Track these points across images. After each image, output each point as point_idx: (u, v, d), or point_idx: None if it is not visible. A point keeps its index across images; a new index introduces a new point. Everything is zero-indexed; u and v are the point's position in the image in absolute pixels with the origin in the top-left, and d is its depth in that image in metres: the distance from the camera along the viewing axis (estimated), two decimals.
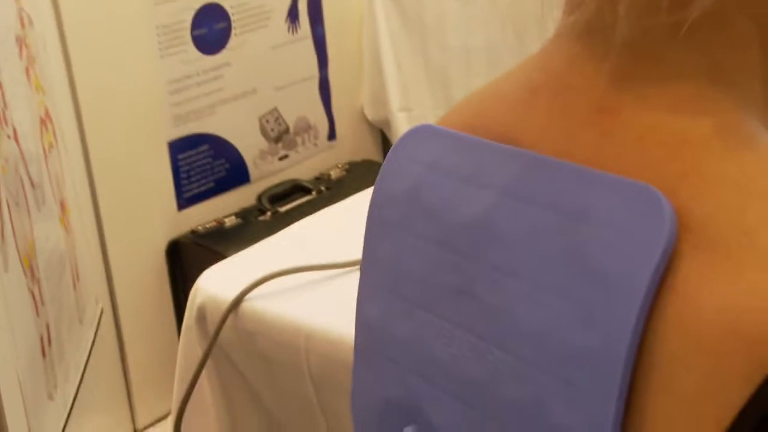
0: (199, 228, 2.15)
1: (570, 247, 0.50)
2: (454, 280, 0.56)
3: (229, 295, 1.13)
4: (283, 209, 2.19)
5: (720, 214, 0.47)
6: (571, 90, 0.54)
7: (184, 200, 2.15)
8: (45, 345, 1.56)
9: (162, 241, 2.11)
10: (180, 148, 2.12)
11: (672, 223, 0.47)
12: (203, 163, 2.17)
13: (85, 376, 1.77)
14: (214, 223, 2.16)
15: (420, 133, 0.61)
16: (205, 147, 2.17)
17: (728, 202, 0.47)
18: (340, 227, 1.29)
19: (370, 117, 2.45)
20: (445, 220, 0.57)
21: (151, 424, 2.07)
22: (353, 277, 0.85)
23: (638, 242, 0.48)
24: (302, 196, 2.25)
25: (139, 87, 2.01)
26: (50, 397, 1.56)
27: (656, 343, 0.47)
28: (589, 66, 0.53)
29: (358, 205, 1.40)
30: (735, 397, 0.45)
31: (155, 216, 2.10)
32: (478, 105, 0.61)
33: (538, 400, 0.51)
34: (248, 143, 2.25)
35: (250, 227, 2.13)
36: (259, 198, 2.24)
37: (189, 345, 1.17)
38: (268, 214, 2.18)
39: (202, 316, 1.16)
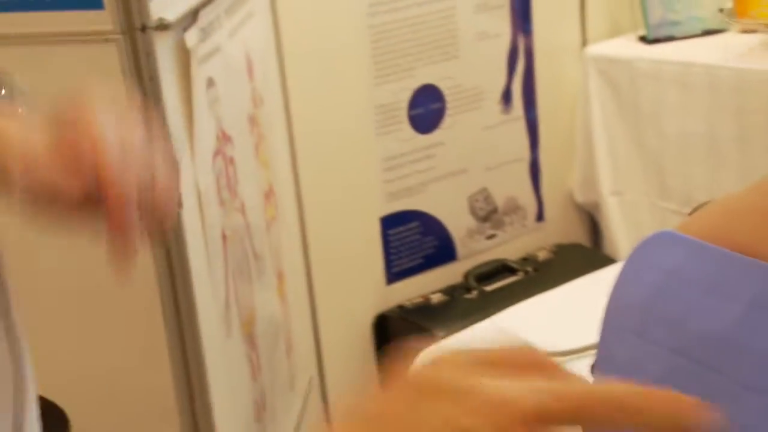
0: (406, 303, 2.19)
1: None
2: (694, 390, 0.56)
3: None
4: (489, 288, 2.21)
5: None
6: None
7: (393, 275, 2.20)
8: (259, 410, 1.62)
9: (370, 314, 2.17)
10: (391, 223, 2.18)
11: None
12: (412, 239, 2.22)
13: None
14: (421, 299, 2.20)
15: (661, 239, 0.62)
16: (415, 224, 2.22)
17: None
18: (552, 315, 1.29)
19: (579, 200, 2.44)
20: (687, 330, 0.57)
21: None
22: (570, 366, 0.85)
23: None
24: (509, 276, 2.26)
25: (356, 163, 2.09)
26: None
27: None
28: None
29: (570, 293, 1.40)
30: None
31: (365, 289, 2.15)
32: (722, 214, 0.61)
33: None
34: (457, 222, 2.28)
35: (456, 304, 2.16)
36: (466, 276, 2.27)
37: None
38: (474, 292, 2.20)
39: None
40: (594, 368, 0.64)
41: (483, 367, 0.46)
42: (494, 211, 2.34)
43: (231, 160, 1.60)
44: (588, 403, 0.44)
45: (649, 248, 0.62)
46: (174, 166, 1.08)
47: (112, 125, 0.71)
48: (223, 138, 1.56)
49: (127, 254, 0.70)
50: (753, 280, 0.55)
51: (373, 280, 2.17)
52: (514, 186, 2.38)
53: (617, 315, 0.63)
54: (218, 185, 1.51)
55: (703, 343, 0.56)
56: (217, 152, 1.52)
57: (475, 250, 2.32)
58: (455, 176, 2.26)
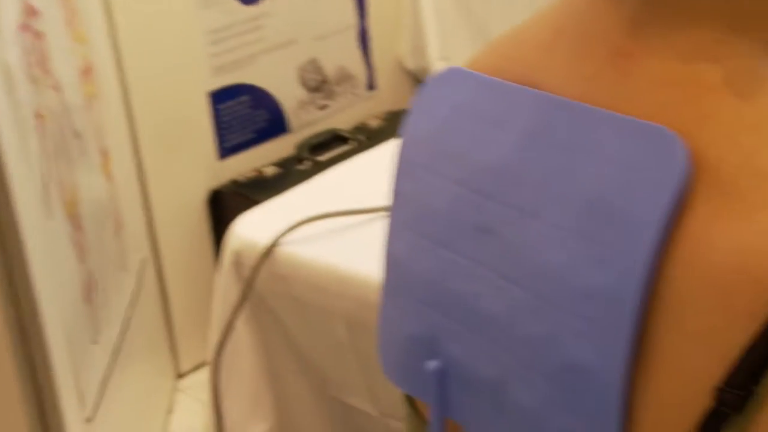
0: (240, 177, 2.17)
1: (586, 188, 0.51)
2: (476, 220, 0.57)
3: (264, 239, 1.15)
4: (322, 158, 2.20)
5: (735, 156, 0.48)
6: (591, 34, 0.54)
7: (225, 150, 2.17)
8: (88, 291, 1.59)
9: (203, 190, 2.14)
10: (220, 98, 2.14)
11: (686, 164, 0.47)
12: (243, 113, 2.18)
13: (129, 323, 1.80)
14: (254, 173, 2.18)
15: (448, 76, 0.62)
16: (245, 97, 2.18)
17: (743, 145, 0.48)
18: (374, 173, 1.30)
19: (409, 66, 2.44)
20: (470, 162, 0.57)
21: (194, 369, 2.11)
22: (385, 222, 0.86)
23: (652, 183, 0.48)
24: (341, 146, 2.26)
25: (179, 37, 2.03)
26: (94, 342, 1.59)
27: (669, 282, 0.48)
28: (609, 10, 0.54)
29: (391, 152, 1.40)
30: (740, 335, 0.45)
31: (196, 165, 2.12)
32: (505, 48, 0.62)
33: (554, 336, 0.52)
34: (288, 93, 2.26)
35: (290, 176, 2.15)
36: (299, 147, 2.25)
37: (225, 290, 1.19)
38: (308, 163, 2.20)
39: (237, 261, 1.17)
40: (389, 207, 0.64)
41: None
42: (325, 81, 2.32)
43: (40, 36, 1.52)
44: None
45: (437, 84, 0.62)
46: None
47: None
48: (29, 11, 1.48)
49: None
50: (528, 110, 0.55)
51: (204, 155, 2.13)
52: (343, 55, 2.35)
53: (408, 150, 0.63)
54: (28, 62, 1.44)
55: (484, 173, 0.56)
56: (23, 27, 1.45)
57: (307, 122, 2.31)
58: (284, 47, 2.22)
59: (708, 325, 0.47)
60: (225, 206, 2.14)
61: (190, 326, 2.11)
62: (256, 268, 1.14)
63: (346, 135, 2.29)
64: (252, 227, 1.20)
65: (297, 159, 2.23)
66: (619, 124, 0.50)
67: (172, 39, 2.02)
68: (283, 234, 1.15)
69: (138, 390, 1.85)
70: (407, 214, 0.62)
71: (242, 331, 1.18)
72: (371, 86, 2.42)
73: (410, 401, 0.68)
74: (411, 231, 0.62)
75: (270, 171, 2.19)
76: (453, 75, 0.61)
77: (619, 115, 0.51)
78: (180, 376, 2.12)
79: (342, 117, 2.36)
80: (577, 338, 0.50)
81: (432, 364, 0.60)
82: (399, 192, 0.63)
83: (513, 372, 0.55)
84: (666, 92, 0.50)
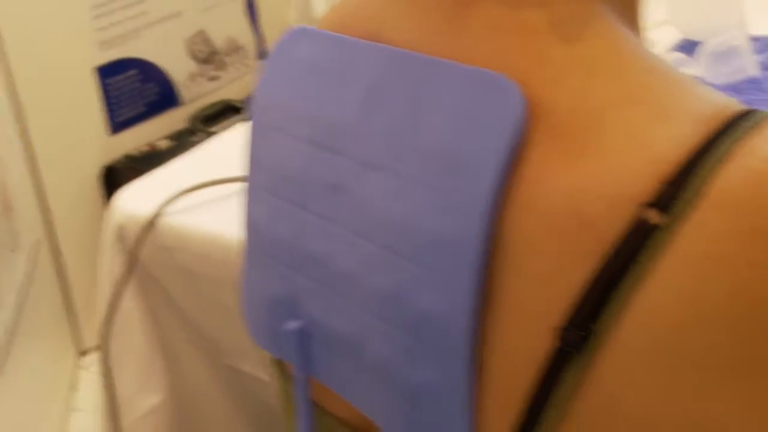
0: (133, 151, 2.12)
1: (429, 138, 0.50)
2: (327, 178, 0.56)
3: (146, 211, 1.12)
4: (215, 130, 2.16)
5: (568, 99, 0.48)
6: None
7: (117, 124, 2.12)
8: None
9: (96, 166, 2.08)
10: (108, 72, 2.08)
11: (521, 109, 0.47)
12: (133, 88, 2.13)
13: (26, 303, 1.76)
14: (148, 147, 2.13)
15: (296, 36, 0.61)
16: (133, 71, 2.13)
17: (575, 88, 0.48)
18: None
19: None
20: (319, 120, 0.56)
21: (96, 347, 2.06)
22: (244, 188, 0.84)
23: (489, 130, 0.48)
24: (234, 116, 2.22)
25: (62, 12, 1.96)
26: None
27: (509, 227, 0.47)
28: None
29: None
30: (578, 276, 0.46)
31: (88, 141, 2.06)
32: (351, 5, 0.61)
33: (402, 287, 0.51)
34: (177, 66, 2.21)
35: (184, 149, 2.08)
36: (191, 120, 2.21)
37: (109, 264, 1.15)
38: (201, 135, 2.16)
39: (120, 234, 1.14)
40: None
41: None
42: (214, 52, 2.28)
43: None
44: None
45: (286, 46, 0.61)
46: None
47: None
48: None
49: None
50: (371, 65, 0.54)
51: (95, 131, 2.08)
52: (232, 26, 2.31)
53: (260, 113, 0.61)
54: None
55: (332, 131, 0.56)
56: None
57: (198, 93, 2.26)
58: (169, 20, 2.17)
59: (547, 267, 0.47)
60: (119, 182, 2.08)
61: (90, 303, 2.06)
62: (140, 240, 1.11)
63: (239, 105, 2.26)
64: (134, 200, 1.17)
65: (190, 131, 2.19)
66: (457, 73, 0.50)
67: (56, 14, 1.95)
68: (165, 205, 1.12)
69: (38, 369, 1.81)
70: (264, 177, 0.61)
71: (130, 304, 1.15)
72: (262, 56, 2.39)
73: (278, 363, 0.67)
74: (268, 194, 0.60)
75: (163, 144, 2.14)
76: (300, 35, 0.60)
77: (457, 64, 0.50)
78: (83, 353, 2.08)
79: (234, 87, 2.33)
80: (425, 288, 0.50)
81: (293, 325, 0.59)
82: (255, 156, 0.62)
83: (369, 327, 0.54)
84: (501, 39, 0.50)
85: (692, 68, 1.26)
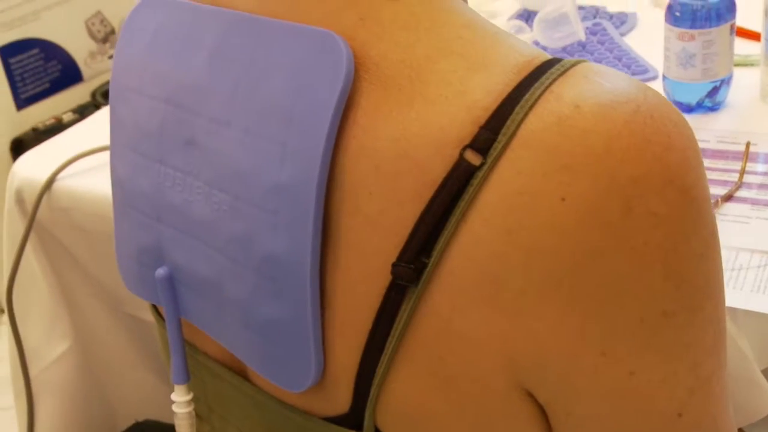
0: (40, 125, 2.03)
1: (265, 94, 0.49)
2: (181, 134, 0.53)
3: (43, 176, 1.07)
4: None
5: (393, 52, 0.46)
6: None
7: (22, 101, 2.03)
8: None
9: (5, 139, 2.00)
10: (11, 52, 1.99)
11: (349, 63, 0.45)
12: (36, 66, 2.04)
13: None
14: (53, 120, 2.05)
15: (147, 3, 0.57)
16: (35, 50, 2.04)
17: (400, 42, 0.46)
18: None
19: None
20: (172, 81, 0.54)
21: None
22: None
23: (320, 84, 0.46)
24: None
25: None
26: None
27: (344, 172, 0.46)
28: None
29: None
30: (409, 214, 0.44)
31: None
32: None
33: (251, 232, 0.49)
34: (77, 45, 2.12)
35: None
36: (93, 94, 2.13)
37: (11, 227, 1.10)
38: (103, 108, 2.08)
39: (20, 198, 1.09)
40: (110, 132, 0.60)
41: None
42: (112, 32, 2.19)
43: None
44: None
45: (140, 10, 0.58)
46: None
47: None
48: None
49: None
50: (215, 28, 0.52)
51: (3, 107, 1.99)
52: (128, 6, 2.22)
53: (119, 76, 0.58)
54: None
55: (185, 90, 0.53)
56: None
57: (99, 70, 2.18)
58: (68, 2, 2.08)
59: (381, 207, 0.45)
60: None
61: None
62: (37, 203, 1.06)
63: None
64: (32, 166, 1.11)
65: (94, 105, 2.11)
66: (291, 32, 0.48)
67: None
68: (60, 169, 1.07)
69: None
70: (126, 136, 0.58)
71: (33, 263, 1.10)
72: None
73: (155, 308, 0.65)
74: (130, 151, 0.57)
75: (68, 117, 2.06)
76: (151, 2, 0.57)
77: (291, 23, 0.48)
78: (2, 310, 2.00)
79: None
80: (271, 231, 0.48)
81: (160, 272, 0.56)
82: (116, 116, 0.59)
83: (225, 269, 0.52)
84: (332, 1, 0.48)
85: (528, 34, 1.25)
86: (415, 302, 0.45)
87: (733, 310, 0.78)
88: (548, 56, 0.46)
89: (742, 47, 1.14)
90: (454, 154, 0.44)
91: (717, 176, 0.94)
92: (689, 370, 0.45)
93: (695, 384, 0.45)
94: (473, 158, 0.43)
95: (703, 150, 0.99)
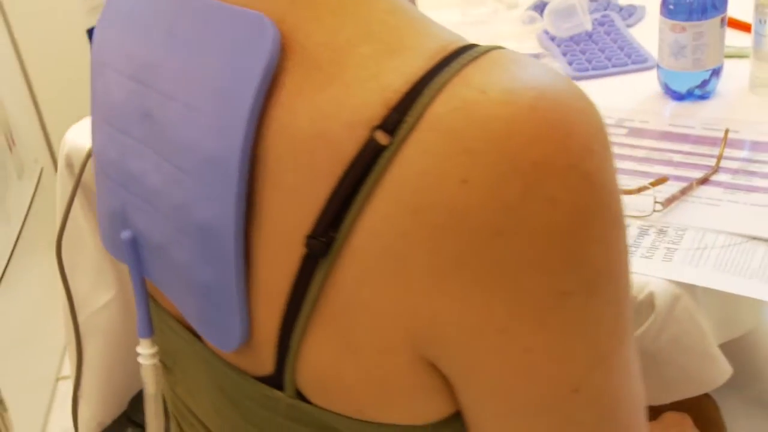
0: None
1: (205, 70, 0.46)
2: (141, 107, 0.52)
3: (88, 144, 1.06)
4: None
5: (319, 35, 0.43)
6: None
7: None
8: None
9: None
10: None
11: (275, 45, 0.43)
12: None
13: (28, 224, 1.70)
14: None
15: None
16: None
17: (326, 25, 0.44)
18: None
19: None
20: (134, 58, 0.53)
21: None
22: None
23: (248, 62, 0.44)
24: None
25: None
26: None
27: (266, 147, 0.44)
28: None
29: None
30: (322, 190, 0.42)
31: (81, 84, 1.99)
32: None
33: (189, 201, 0.48)
34: None
35: None
36: None
37: (63, 188, 1.11)
38: None
39: (69, 163, 1.10)
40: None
41: None
42: None
43: None
44: None
45: None
46: None
47: None
48: None
49: None
50: (170, 10, 0.50)
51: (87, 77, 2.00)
52: None
53: (96, 52, 0.57)
54: None
55: (144, 67, 0.52)
56: None
57: None
58: None
59: (298, 182, 0.43)
60: None
61: None
62: (83, 167, 1.06)
63: None
64: (79, 135, 1.11)
65: None
66: (227, 13, 0.46)
67: None
68: None
69: (38, 277, 1.76)
70: (101, 108, 0.57)
71: (80, 219, 1.11)
72: None
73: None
74: (103, 122, 0.56)
75: None
76: None
77: (228, 5, 0.46)
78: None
79: None
80: (203, 201, 0.47)
81: (125, 234, 0.55)
82: (94, 90, 0.58)
83: (170, 235, 0.50)
84: None
85: (539, 24, 1.20)
86: (325, 274, 0.42)
87: (693, 286, 0.73)
88: (465, 42, 0.43)
89: (737, 39, 1.07)
90: (365, 134, 0.41)
91: (697, 161, 0.89)
92: (588, 348, 0.41)
93: (593, 362, 0.42)
94: (382, 138, 0.40)
95: (687, 136, 0.93)
